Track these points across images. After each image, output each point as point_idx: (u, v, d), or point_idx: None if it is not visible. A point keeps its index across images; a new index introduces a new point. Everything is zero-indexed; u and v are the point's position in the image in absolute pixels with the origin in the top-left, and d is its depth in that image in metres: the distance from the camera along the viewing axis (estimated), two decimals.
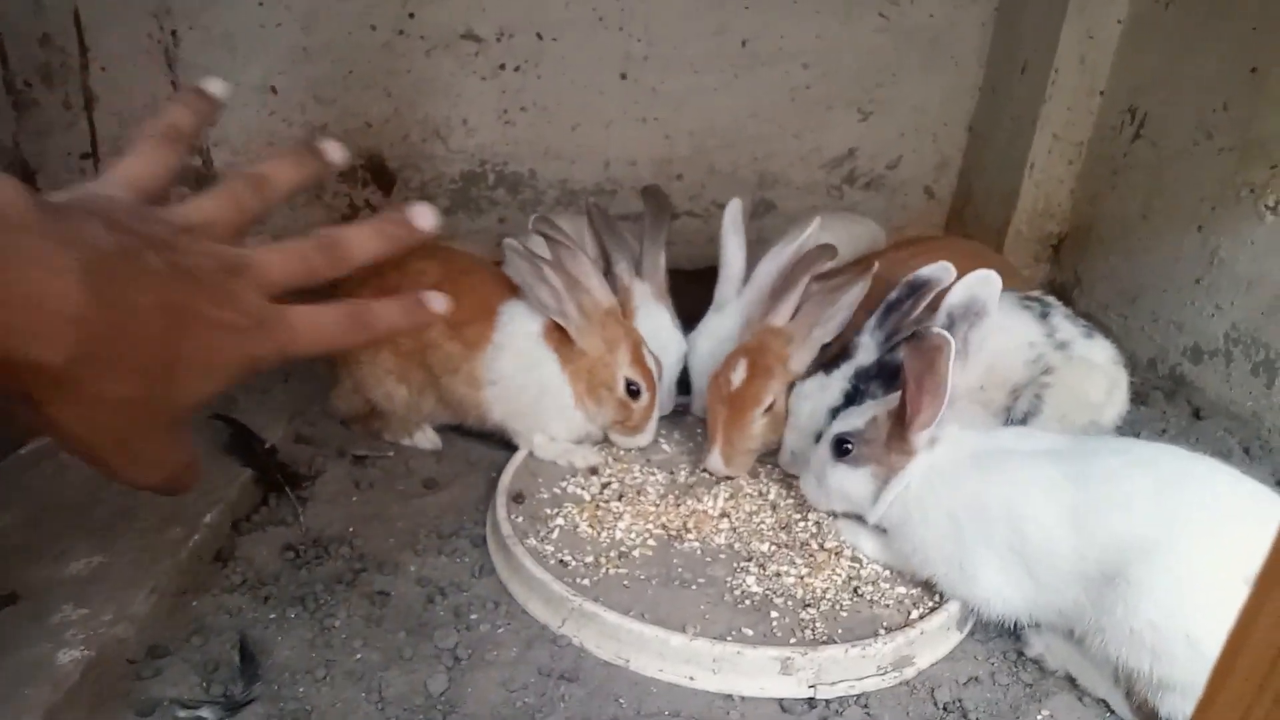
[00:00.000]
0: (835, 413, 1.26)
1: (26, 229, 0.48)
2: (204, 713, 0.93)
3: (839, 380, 1.30)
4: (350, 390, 1.42)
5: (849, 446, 1.15)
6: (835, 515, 1.24)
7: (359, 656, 1.02)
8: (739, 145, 2.16)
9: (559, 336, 1.35)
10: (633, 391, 1.36)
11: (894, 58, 2.14)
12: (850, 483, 1.15)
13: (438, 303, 0.74)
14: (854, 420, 1.17)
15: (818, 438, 1.26)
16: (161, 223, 0.60)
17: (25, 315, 0.47)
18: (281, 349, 0.64)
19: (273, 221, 1.30)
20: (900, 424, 1.10)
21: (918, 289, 1.25)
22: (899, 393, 1.11)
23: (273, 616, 1.08)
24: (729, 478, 1.35)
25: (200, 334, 0.58)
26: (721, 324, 1.50)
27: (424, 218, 0.73)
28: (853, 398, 1.27)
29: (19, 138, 1.81)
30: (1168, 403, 1.69)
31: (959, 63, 2.17)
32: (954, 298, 1.15)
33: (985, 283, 1.15)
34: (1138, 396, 1.43)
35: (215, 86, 0.73)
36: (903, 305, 1.26)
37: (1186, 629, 0.89)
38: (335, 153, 0.75)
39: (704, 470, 1.35)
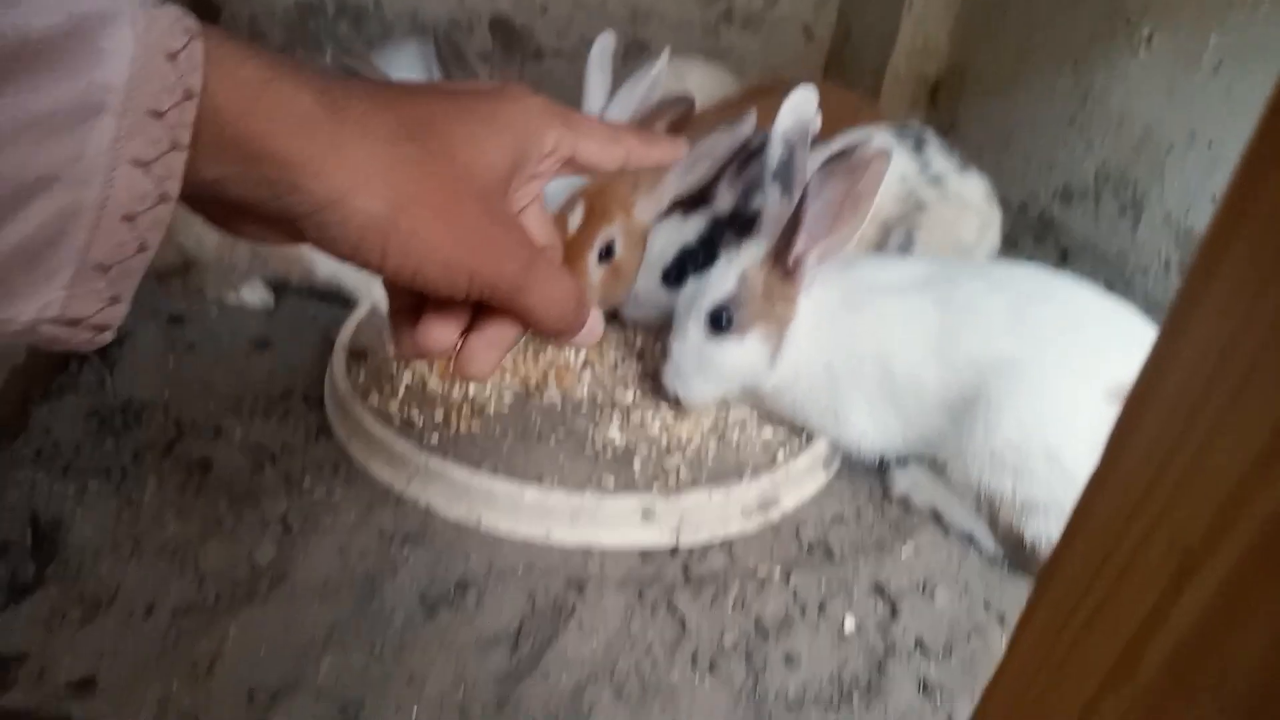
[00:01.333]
0: (689, 254, 1.18)
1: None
2: None
3: (696, 223, 1.21)
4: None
5: (728, 316, 1.01)
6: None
7: (171, 530, 0.91)
8: None
9: None
10: None
11: None
12: (741, 354, 1.02)
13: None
14: (721, 286, 1.02)
15: (665, 275, 1.20)
16: None
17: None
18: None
19: None
20: (778, 268, 1.00)
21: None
22: (755, 242, 1.04)
23: (71, 491, 0.95)
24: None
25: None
26: None
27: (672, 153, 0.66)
28: (708, 242, 1.19)
29: None
30: (1036, 246, 1.69)
31: None
32: (783, 123, 1.05)
33: (808, 100, 1.06)
34: (1007, 240, 1.41)
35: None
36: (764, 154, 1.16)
37: (1046, 444, 0.87)
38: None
39: None
